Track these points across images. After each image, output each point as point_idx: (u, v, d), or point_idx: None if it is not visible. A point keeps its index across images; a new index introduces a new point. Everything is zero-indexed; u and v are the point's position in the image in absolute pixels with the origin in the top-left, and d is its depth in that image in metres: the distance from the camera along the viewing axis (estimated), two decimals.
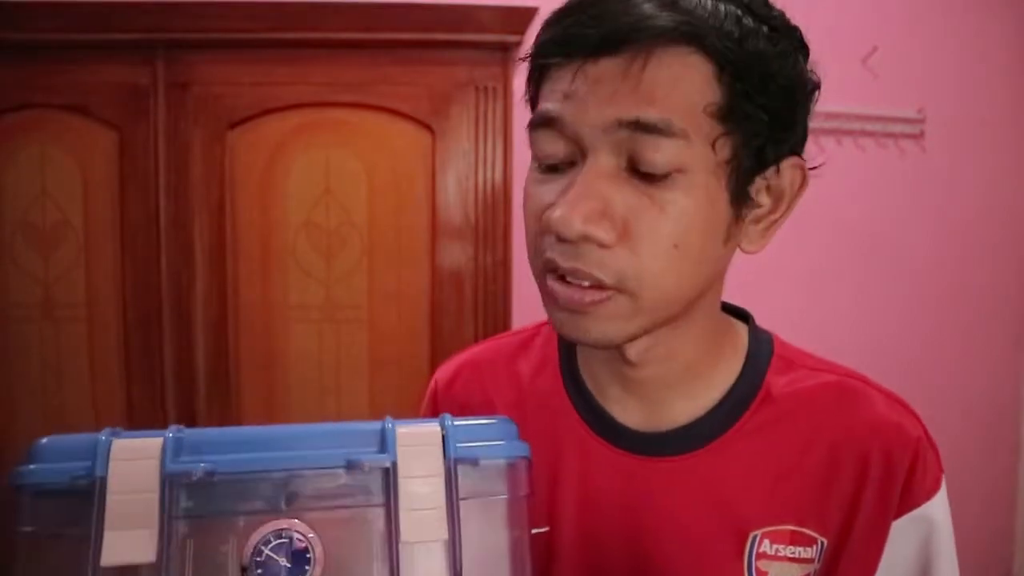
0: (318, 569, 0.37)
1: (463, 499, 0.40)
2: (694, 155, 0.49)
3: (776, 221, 0.56)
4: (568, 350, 0.66)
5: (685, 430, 0.59)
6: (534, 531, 0.57)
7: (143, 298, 1.62)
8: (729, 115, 0.49)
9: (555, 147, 0.52)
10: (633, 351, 0.57)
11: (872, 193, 2.14)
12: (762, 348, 0.62)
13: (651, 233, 0.49)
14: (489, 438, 0.42)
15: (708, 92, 0.49)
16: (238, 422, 1.66)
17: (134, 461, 0.37)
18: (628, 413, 0.61)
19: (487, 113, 1.62)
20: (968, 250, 2.21)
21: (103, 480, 0.36)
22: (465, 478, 0.40)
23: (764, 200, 0.55)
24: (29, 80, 1.59)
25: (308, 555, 0.37)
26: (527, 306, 1.74)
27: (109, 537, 0.36)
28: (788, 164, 0.54)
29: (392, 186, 1.63)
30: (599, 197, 0.49)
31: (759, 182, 0.54)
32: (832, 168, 2.34)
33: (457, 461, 0.40)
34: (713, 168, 0.50)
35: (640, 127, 0.48)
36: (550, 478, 0.61)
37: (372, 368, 1.64)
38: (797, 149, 0.55)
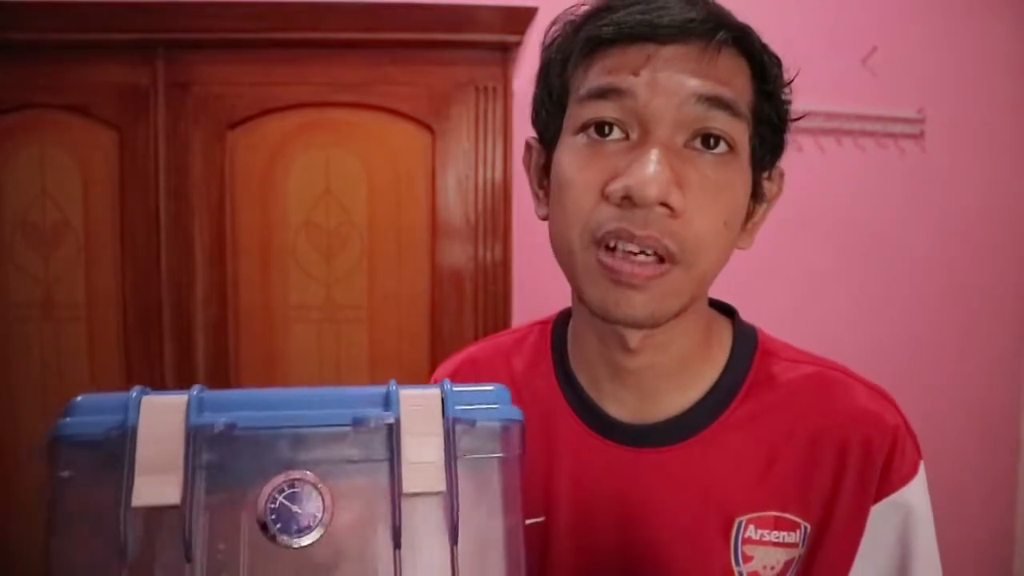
0: (327, 516, 0.41)
1: (461, 456, 0.43)
2: (744, 141, 0.55)
3: (759, 224, 0.61)
4: (561, 347, 0.68)
5: (673, 422, 0.62)
6: (530, 521, 0.59)
7: (143, 298, 1.62)
8: (755, 114, 0.56)
9: (616, 116, 0.54)
10: (634, 340, 0.59)
11: (872, 193, 2.14)
12: (747, 341, 0.65)
13: (710, 208, 0.53)
14: (485, 402, 0.45)
15: (749, 90, 0.55)
16: None
17: (162, 414, 0.41)
18: (620, 407, 0.63)
19: (487, 113, 1.62)
20: (968, 250, 2.21)
21: (134, 430, 0.40)
22: (463, 437, 0.43)
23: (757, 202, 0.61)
24: (29, 80, 1.59)
25: (318, 503, 0.41)
26: (527, 306, 1.74)
27: (139, 481, 0.40)
28: (777, 171, 0.61)
29: (392, 186, 1.63)
30: (673, 168, 0.52)
31: (761, 184, 0.60)
32: (832, 168, 2.35)
33: (455, 421, 0.43)
34: (748, 158, 0.56)
35: (718, 103, 0.53)
36: (545, 471, 0.63)
37: (372, 368, 1.64)
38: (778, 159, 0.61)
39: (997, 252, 2.24)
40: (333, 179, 1.63)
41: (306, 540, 0.41)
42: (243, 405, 0.42)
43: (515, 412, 0.46)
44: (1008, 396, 2.30)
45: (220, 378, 1.63)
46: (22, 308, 1.63)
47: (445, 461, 0.42)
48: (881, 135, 2.12)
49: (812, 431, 0.60)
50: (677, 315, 0.56)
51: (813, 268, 2.14)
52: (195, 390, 0.42)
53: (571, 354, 0.66)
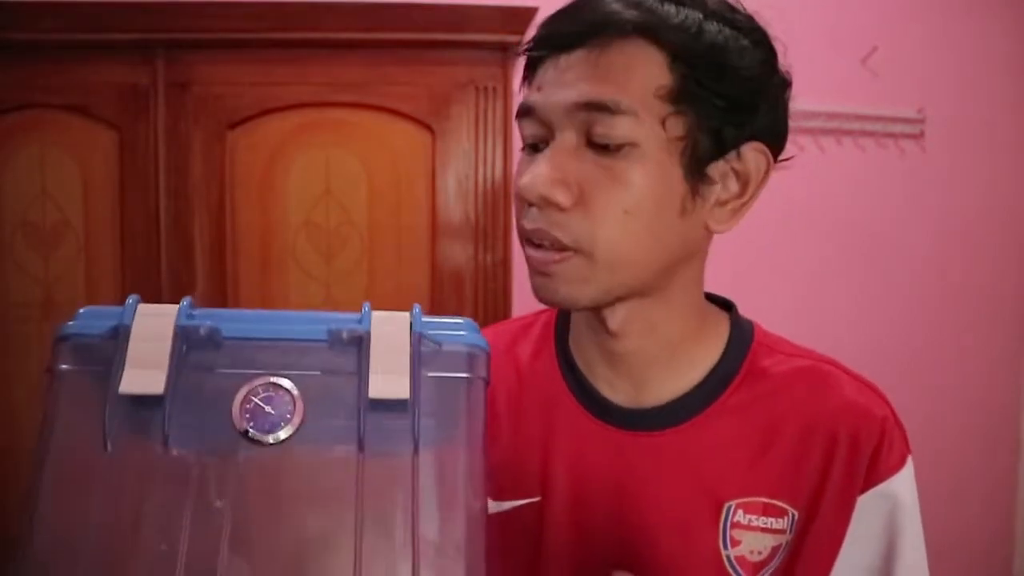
0: (297, 418, 0.44)
1: (426, 374, 0.46)
2: (645, 132, 0.55)
3: (745, 204, 0.60)
4: (562, 334, 0.70)
5: (667, 407, 0.64)
6: (526, 501, 0.64)
7: (143, 298, 1.62)
8: (680, 98, 0.56)
9: (534, 132, 0.59)
10: (614, 322, 0.62)
11: (872, 193, 2.14)
12: (743, 334, 0.67)
13: (604, 199, 0.56)
14: (453, 330, 0.48)
15: (660, 77, 0.55)
16: None
17: (154, 318, 0.45)
18: (616, 391, 0.65)
19: (487, 113, 1.62)
20: (968, 250, 2.21)
21: (127, 329, 0.44)
22: (430, 358, 0.46)
23: (732, 185, 0.59)
24: (29, 80, 1.59)
25: (290, 407, 0.44)
26: (527, 306, 1.73)
27: (128, 373, 0.43)
28: (750, 148, 0.59)
29: (392, 186, 1.63)
30: (559, 167, 0.56)
31: (722, 165, 0.58)
32: (832, 168, 2.34)
33: (421, 338, 0.46)
34: (665, 144, 0.56)
35: (594, 107, 0.55)
36: (543, 452, 0.66)
37: None
38: (768, 139, 0.59)
39: (997, 252, 2.24)
40: (333, 179, 1.63)
41: (277, 436, 0.43)
42: (229, 317, 0.46)
43: (481, 341, 0.48)
44: (1008, 396, 2.30)
45: None
46: (22, 308, 1.63)
47: (410, 373, 0.45)
48: (881, 135, 2.12)
49: (803, 422, 0.62)
50: (606, 301, 0.59)
51: (813, 268, 2.14)
52: (186, 302, 0.46)
53: (572, 340, 0.69)
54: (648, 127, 0.55)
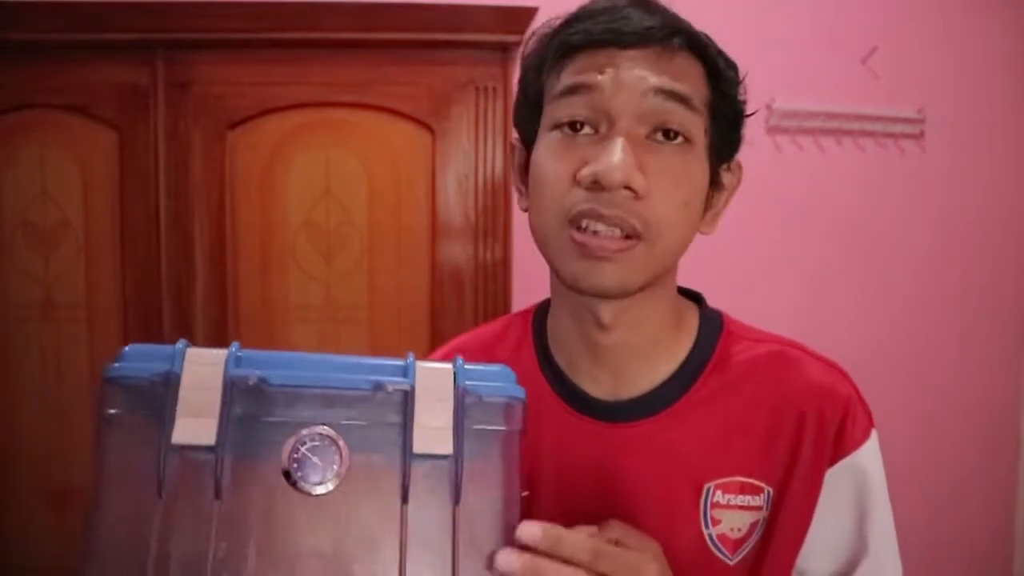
0: (343, 468, 0.45)
1: (467, 425, 0.47)
2: (699, 132, 0.61)
3: (720, 211, 0.67)
4: (542, 333, 0.73)
5: (645, 398, 0.67)
6: None
7: (143, 298, 1.62)
8: (712, 109, 0.62)
9: (581, 112, 0.61)
10: (607, 314, 0.64)
11: (872, 193, 2.14)
12: (713, 324, 0.70)
13: (669, 190, 0.60)
14: (492, 380, 0.49)
15: (705, 87, 0.62)
16: None
17: (203, 365, 0.46)
18: (596, 385, 0.68)
19: (487, 113, 1.62)
20: (968, 250, 2.21)
21: (178, 377, 0.45)
22: (470, 409, 0.48)
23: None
24: (29, 80, 1.59)
25: (336, 457, 0.45)
26: (527, 305, 1.74)
27: (179, 423, 0.44)
28: (736, 163, 0.67)
29: (392, 186, 1.64)
30: (634, 155, 0.59)
31: (722, 173, 0.66)
32: (832, 168, 2.34)
33: (465, 393, 0.48)
34: (705, 147, 0.62)
35: (674, 96, 0.59)
36: (530, 449, 0.69)
37: None
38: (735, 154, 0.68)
39: (997, 252, 2.24)
40: (333, 179, 1.63)
41: (322, 489, 0.45)
42: (276, 364, 0.47)
43: (519, 391, 0.50)
44: (1008, 396, 2.29)
45: None
46: (22, 308, 1.63)
47: (453, 428, 0.47)
48: (881, 135, 2.12)
49: (773, 403, 0.66)
50: (642, 288, 0.62)
51: (813, 268, 2.14)
52: (234, 347, 0.47)
53: (551, 338, 0.72)
54: (700, 128, 0.61)
